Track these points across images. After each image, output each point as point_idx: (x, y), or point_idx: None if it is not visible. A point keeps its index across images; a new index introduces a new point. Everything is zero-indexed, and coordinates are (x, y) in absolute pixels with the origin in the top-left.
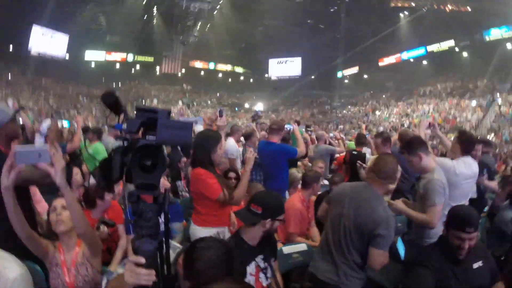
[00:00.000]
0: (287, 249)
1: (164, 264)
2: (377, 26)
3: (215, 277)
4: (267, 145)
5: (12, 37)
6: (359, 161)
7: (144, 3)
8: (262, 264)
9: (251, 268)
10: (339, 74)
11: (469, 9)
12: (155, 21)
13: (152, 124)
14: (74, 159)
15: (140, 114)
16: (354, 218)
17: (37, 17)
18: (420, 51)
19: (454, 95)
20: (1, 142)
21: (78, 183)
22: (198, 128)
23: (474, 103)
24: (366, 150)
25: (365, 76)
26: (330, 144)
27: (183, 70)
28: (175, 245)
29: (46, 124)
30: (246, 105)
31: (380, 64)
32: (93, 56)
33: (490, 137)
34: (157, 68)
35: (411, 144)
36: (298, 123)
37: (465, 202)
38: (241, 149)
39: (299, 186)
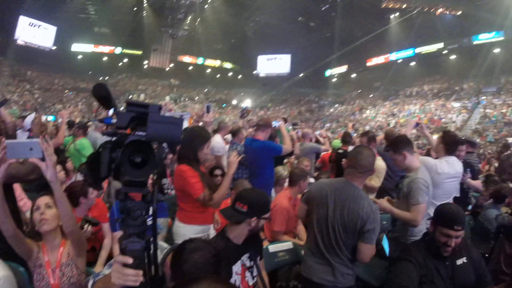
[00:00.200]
0: (273, 248)
1: (152, 264)
2: (368, 26)
3: None
4: (252, 142)
5: None
6: (344, 160)
7: None
8: (248, 263)
9: (237, 267)
10: (328, 73)
11: (459, 13)
12: (145, 13)
13: (142, 120)
14: (57, 155)
15: (131, 109)
16: (341, 218)
17: (25, 8)
18: (408, 52)
19: (440, 96)
20: None
21: (60, 180)
22: (184, 124)
23: (459, 104)
24: (351, 149)
25: (353, 75)
26: (317, 141)
27: (172, 65)
28: (162, 245)
29: (30, 118)
30: (234, 102)
31: (368, 64)
32: (81, 48)
33: (475, 138)
34: (145, 61)
35: (396, 143)
36: (285, 121)
37: (449, 201)
38: (227, 146)
39: (286, 184)
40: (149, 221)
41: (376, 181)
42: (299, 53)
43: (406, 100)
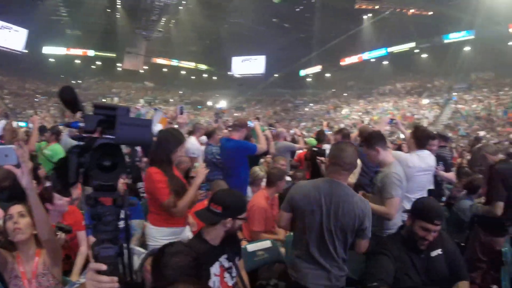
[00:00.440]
0: (251, 247)
1: (126, 270)
2: (341, 27)
3: None
4: (227, 141)
5: None
6: (319, 158)
7: None
8: (226, 264)
9: (215, 269)
10: (302, 73)
11: (430, 13)
12: (118, 14)
13: (110, 122)
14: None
15: (98, 112)
16: (336, 221)
17: None
18: (381, 52)
19: (412, 93)
20: None
21: None
22: (157, 127)
23: (431, 101)
24: (326, 147)
25: (327, 75)
26: (293, 140)
27: (146, 67)
28: (140, 251)
29: (1, 124)
30: (209, 103)
31: (342, 63)
32: (52, 51)
33: (447, 132)
34: (119, 64)
35: (370, 139)
36: (258, 119)
37: (423, 193)
38: (203, 147)
39: (263, 184)
40: (122, 225)
41: (352, 178)
42: (274, 53)
43: (380, 98)
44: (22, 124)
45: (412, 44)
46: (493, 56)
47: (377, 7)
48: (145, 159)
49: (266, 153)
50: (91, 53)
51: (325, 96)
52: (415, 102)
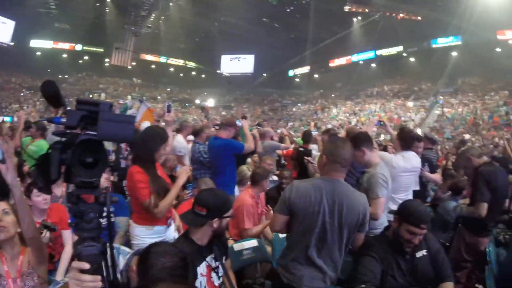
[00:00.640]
0: (237, 246)
1: (110, 268)
2: (331, 28)
3: None
4: (215, 140)
5: None
6: (306, 157)
7: None
8: (213, 264)
9: (201, 269)
10: (291, 73)
11: (419, 18)
12: (107, 9)
13: (93, 118)
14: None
15: (81, 107)
16: (341, 219)
17: None
18: (369, 54)
19: (399, 96)
20: None
21: None
22: (145, 124)
23: (418, 104)
24: (312, 147)
25: (316, 75)
26: (281, 140)
27: (134, 63)
28: (126, 250)
29: None
30: (197, 101)
31: (331, 65)
32: (40, 44)
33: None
34: (107, 59)
35: (356, 140)
36: (245, 118)
37: (407, 194)
38: (190, 145)
39: (249, 183)
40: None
41: None
42: (263, 53)
43: (367, 99)
44: (7, 118)
45: (400, 48)
46: (480, 62)
47: (367, 10)
48: (131, 157)
49: (253, 152)
50: (78, 47)
51: (313, 96)
52: (402, 105)
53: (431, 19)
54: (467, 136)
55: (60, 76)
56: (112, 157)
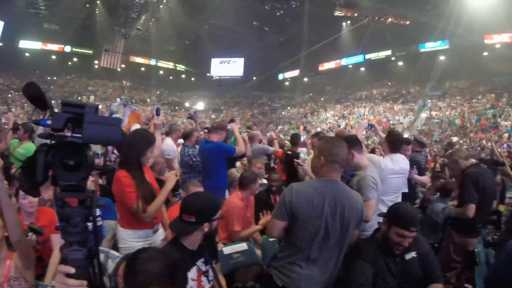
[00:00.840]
0: (227, 250)
1: (95, 273)
2: (320, 32)
3: None
4: (206, 143)
5: None
6: (296, 160)
7: None
8: (203, 268)
9: (192, 273)
10: (280, 77)
11: (408, 23)
12: (97, 10)
13: (78, 121)
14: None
15: (67, 110)
16: (342, 221)
17: None
18: (358, 58)
19: (388, 99)
20: None
21: None
22: (134, 126)
23: (406, 107)
24: (301, 150)
25: (305, 79)
26: (270, 143)
27: (123, 65)
28: (114, 255)
29: None
30: (187, 104)
31: (320, 68)
32: (28, 45)
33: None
34: (96, 61)
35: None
36: (234, 121)
37: (396, 196)
38: (179, 149)
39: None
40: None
41: None
42: (253, 56)
43: (356, 103)
44: None
45: (389, 52)
46: (467, 65)
47: (356, 14)
48: (118, 160)
49: (243, 155)
50: (67, 49)
51: (302, 100)
52: (390, 108)
53: (420, 23)
54: (455, 139)
55: (48, 78)
56: (101, 160)
